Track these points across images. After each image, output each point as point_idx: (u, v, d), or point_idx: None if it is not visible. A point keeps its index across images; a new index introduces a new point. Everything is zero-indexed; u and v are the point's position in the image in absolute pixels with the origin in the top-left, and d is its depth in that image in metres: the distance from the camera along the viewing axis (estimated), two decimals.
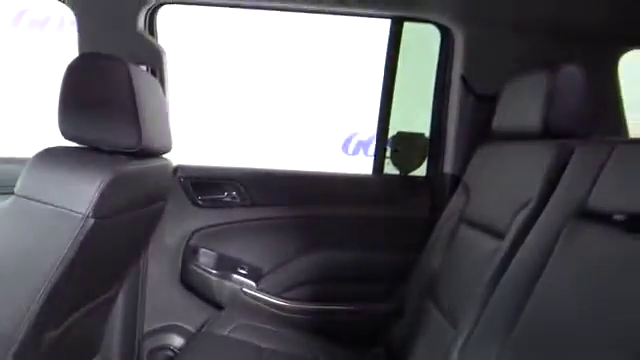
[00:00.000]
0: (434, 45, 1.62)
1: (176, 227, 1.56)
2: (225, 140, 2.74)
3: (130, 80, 1.05)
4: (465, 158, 1.43)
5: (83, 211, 0.97)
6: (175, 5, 1.54)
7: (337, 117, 2.86)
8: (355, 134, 2.92)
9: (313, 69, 2.80)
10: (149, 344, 1.56)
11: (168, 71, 1.53)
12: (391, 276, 1.54)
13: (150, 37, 1.52)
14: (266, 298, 1.54)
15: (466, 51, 1.49)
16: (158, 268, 1.56)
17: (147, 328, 1.56)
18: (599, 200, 0.79)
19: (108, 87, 1.06)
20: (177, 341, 1.55)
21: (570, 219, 0.82)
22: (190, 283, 1.56)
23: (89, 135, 1.06)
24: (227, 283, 1.54)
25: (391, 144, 1.66)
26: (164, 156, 1.31)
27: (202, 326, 1.46)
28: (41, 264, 0.97)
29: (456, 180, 1.43)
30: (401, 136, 1.66)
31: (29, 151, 1.04)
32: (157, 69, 1.50)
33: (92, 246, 1.01)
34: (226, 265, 1.56)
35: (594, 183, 0.81)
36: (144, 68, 1.45)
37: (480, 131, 1.40)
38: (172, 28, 1.64)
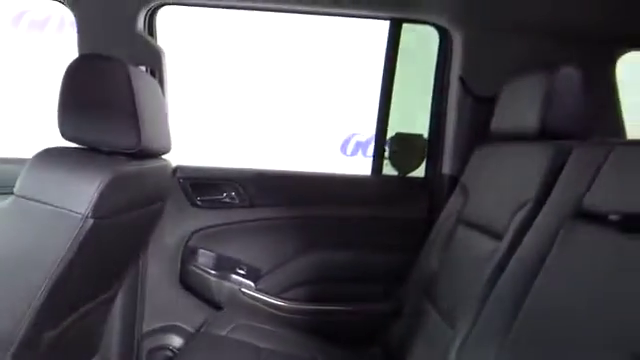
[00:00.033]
0: (433, 46, 1.62)
1: (175, 227, 1.57)
2: (224, 141, 2.74)
3: (129, 81, 1.05)
4: (463, 159, 1.43)
5: (82, 211, 0.97)
6: (174, 6, 1.55)
7: (336, 118, 2.86)
8: (354, 135, 2.92)
9: (312, 70, 2.80)
10: (148, 344, 1.56)
11: (167, 72, 1.54)
12: (389, 276, 1.54)
13: (149, 38, 1.52)
14: (265, 298, 1.54)
15: (464, 52, 1.50)
16: (157, 268, 1.56)
17: (146, 328, 1.56)
18: (595, 201, 0.79)
19: (107, 88, 1.06)
20: (176, 341, 1.55)
21: (567, 219, 0.83)
22: (189, 283, 1.56)
23: (88, 136, 1.07)
24: (226, 283, 1.54)
25: (390, 145, 1.67)
26: (163, 157, 1.32)
27: (201, 326, 1.46)
28: (40, 264, 0.98)
29: (454, 181, 1.44)
30: (400, 137, 1.66)
31: (29, 151, 1.05)
32: (156, 70, 1.50)
33: (91, 246, 1.01)
34: (225, 265, 1.56)
35: (591, 184, 0.82)
36: (143, 69, 1.46)
37: (478, 132, 1.40)
38: (171, 29, 1.64)
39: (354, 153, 2.95)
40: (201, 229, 1.58)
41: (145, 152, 1.12)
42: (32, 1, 2.63)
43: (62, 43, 2.65)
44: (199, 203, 1.58)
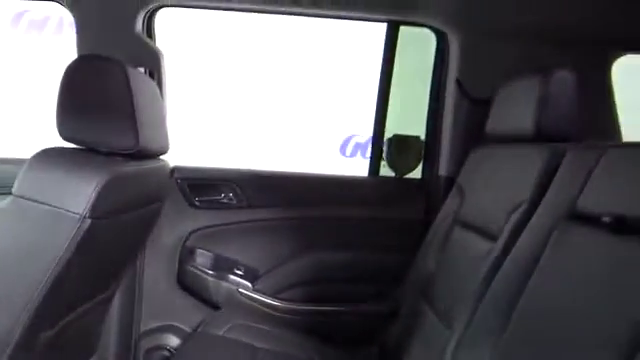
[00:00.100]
0: (430, 49, 1.63)
1: (173, 228, 1.57)
2: (223, 141, 2.74)
3: (128, 82, 1.06)
4: (460, 161, 1.44)
5: (80, 211, 0.97)
6: (173, 8, 1.55)
7: (335, 119, 2.87)
8: (353, 136, 2.93)
9: (311, 71, 2.80)
10: (145, 344, 1.56)
11: (166, 73, 1.54)
12: (386, 277, 1.55)
13: (148, 39, 1.53)
14: (262, 299, 1.54)
15: (461, 55, 1.50)
16: (155, 268, 1.57)
17: (144, 328, 1.57)
18: (588, 203, 0.80)
19: (106, 89, 1.07)
20: (173, 341, 1.56)
21: (561, 221, 0.84)
22: (187, 283, 1.57)
23: (87, 136, 1.07)
24: (223, 284, 1.54)
25: (387, 146, 1.68)
26: (161, 157, 1.32)
27: (198, 326, 1.47)
28: (38, 264, 0.98)
29: (451, 182, 1.44)
30: (397, 139, 1.67)
31: (27, 152, 1.05)
32: (155, 71, 1.51)
33: (89, 246, 1.02)
34: (222, 266, 1.56)
35: (584, 186, 0.82)
36: (142, 70, 1.47)
37: (474, 134, 1.41)
38: (170, 30, 1.65)
39: (353, 154, 2.96)
40: (199, 229, 1.58)
41: (143, 153, 1.13)
42: (31, 2, 2.63)
43: (61, 44, 2.65)
44: (197, 203, 1.59)
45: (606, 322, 0.64)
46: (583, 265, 0.74)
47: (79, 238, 0.98)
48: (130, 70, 1.08)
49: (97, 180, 0.98)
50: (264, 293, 1.55)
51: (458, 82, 1.51)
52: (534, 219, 0.93)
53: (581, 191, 0.82)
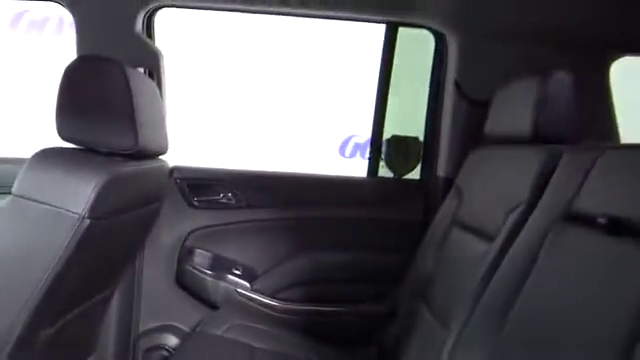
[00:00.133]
0: (429, 50, 1.64)
1: (172, 228, 1.57)
2: (222, 142, 2.74)
3: (127, 82, 1.06)
4: (458, 162, 1.44)
5: (79, 211, 0.98)
6: (173, 8, 1.56)
7: (334, 119, 2.87)
8: (352, 137, 2.93)
9: (310, 71, 2.81)
10: (144, 344, 1.57)
11: (165, 73, 1.55)
12: (385, 278, 1.55)
13: (148, 40, 1.53)
14: (260, 299, 1.55)
15: (460, 56, 1.51)
16: (154, 268, 1.57)
17: (142, 328, 1.57)
18: (584, 204, 0.81)
19: (105, 89, 1.08)
20: (172, 341, 1.56)
21: (557, 222, 0.84)
22: (185, 283, 1.57)
23: (86, 136, 1.08)
24: (222, 284, 1.55)
25: (386, 147, 1.68)
26: (160, 157, 1.33)
27: (197, 326, 1.47)
28: (38, 263, 0.99)
29: (449, 183, 1.45)
30: (395, 139, 1.67)
31: (27, 152, 1.06)
32: (154, 71, 1.51)
33: (88, 246, 1.02)
34: (221, 266, 1.57)
35: (580, 187, 0.83)
36: (141, 70, 1.47)
37: (473, 135, 1.41)
38: (170, 30, 1.65)
39: (352, 155, 2.96)
40: (198, 229, 1.59)
41: (142, 153, 1.13)
42: (31, 2, 2.64)
43: (61, 44, 2.65)
44: (196, 204, 1.59)
45: (602, 322, 0.65)
46: (579, 265, 0.74)
47: (78, 238, 0.99)
48: (130, 70, 1.08)
49: (96, 180, 0.99)
50: (262, 293, 1.56)
51: (456, 83, 1.51)
52: (531, 220, 0.94)
53: (577, 192, 0.83)
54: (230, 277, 1.55)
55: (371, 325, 1.49)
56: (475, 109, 1.47)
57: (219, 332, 1.38)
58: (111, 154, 1.09)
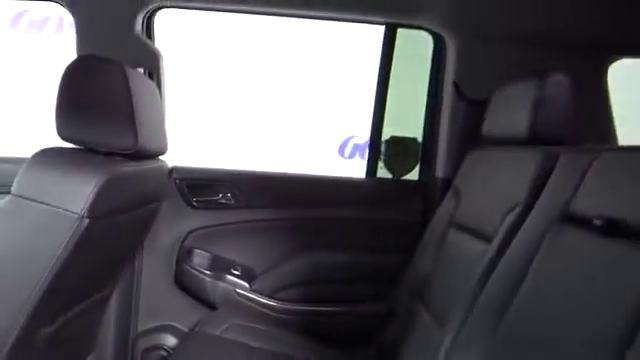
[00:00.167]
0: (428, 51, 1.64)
1: (171, 228, 1.58)
2: (222, 142, 2.75)
3: (127, 82, 1.07)
4: (456, 163, 1.44)
5: (78, 211, 0.98)
6: (172, 9, 1.56)
7: (334, 120, 2.88)
8: (351, 137, 2.94)
9: (310, 72, 2.81)
10: (143, 343, 1.57)
11: (165, 74, 1.55)
12: (383, 278, 1.55)
13: (147, 40, 1.54)
14: (259, 299, 1.55)
15: (458, 58, 1.51)
16: (153, 268, 1.57)
17: (141, 328, 1.57)
18: (581, 206, 0.81)
19: (105, 89, 1.08)
20: (171, 341, 1.56)
21: (554, 223, 0.85)
22: (184, 283, 1.57)
23: (86, 136, 1.08)
24: (221, 284, 1.55)
25: (384, 148, 1.68)
26: (160, 158, 1.33)
27: (195, 326, 1.47)
28: (36, 263, 0.99)
29: (448, 184, 1.45)
30: (394, 140, 1.68)
31: (27, 152, 1.06)
32: (154, 72, 1.51)
33: (87, 246, 1.03)
34: (220, 266, 1.57)
35: (577, 189, 0.83)
36: (141, 71, 1.47)
37: (471, 136, 1.41)
38: (170, 31, 1.66)
39: (352, 155, 2.96)
40: (197, 229, 1.59)
41: (142, 153, 1.14)
42: (31, 2, 2.64)
43: (61, 44, 2.66)
44: (195, 204, 1.59)
45: (598, 322, 0.65)
46: (575, 267, 0.74)
47: (77, 237, 0.99)
48: (129, 70, 1.09)
49: (96, 180, 0.99)
50: (261, 293, 1.56)
51: (455, 84, 1.52)
52: (528, 221, 0.94)
53: (574, 194, 0.83)
54: (229, 277, 1.56)
55: (369, 325, 1.49)
56: (473, 110, 1.47)
57: (218, 332, 1.38)
58: (110, 154, 1.09)
